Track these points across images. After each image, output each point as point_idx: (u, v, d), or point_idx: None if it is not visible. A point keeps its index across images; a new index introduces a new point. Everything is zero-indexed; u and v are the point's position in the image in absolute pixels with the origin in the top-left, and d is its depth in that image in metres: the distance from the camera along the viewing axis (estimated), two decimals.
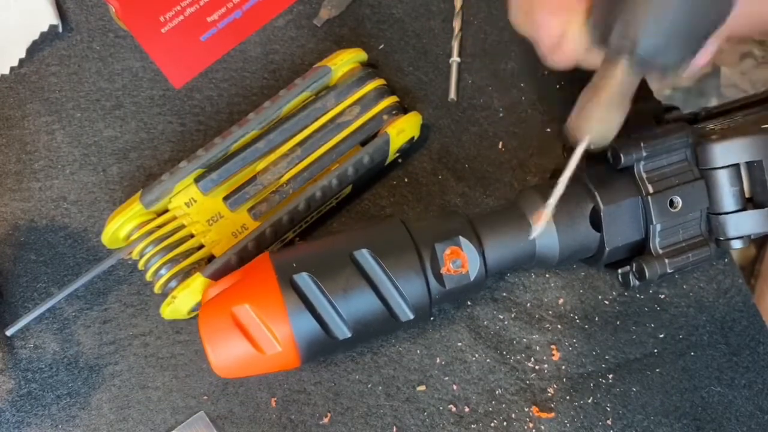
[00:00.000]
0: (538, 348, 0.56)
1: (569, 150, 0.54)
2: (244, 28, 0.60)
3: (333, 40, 0.61)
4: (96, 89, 0.59)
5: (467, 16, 0.61)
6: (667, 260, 0.49)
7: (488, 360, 0.56)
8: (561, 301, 0.57)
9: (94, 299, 0.56)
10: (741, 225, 0.49)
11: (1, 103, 0.59)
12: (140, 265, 0.53)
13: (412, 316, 0.48)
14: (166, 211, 0.54)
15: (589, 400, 0.56)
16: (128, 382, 0.55)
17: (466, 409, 0.55)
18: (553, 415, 0.55)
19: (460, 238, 0.48)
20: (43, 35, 0.58)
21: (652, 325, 0.57)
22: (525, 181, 0.59)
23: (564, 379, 0.56)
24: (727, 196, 0.49)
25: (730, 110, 0.56)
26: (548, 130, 0.60)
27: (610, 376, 0.56)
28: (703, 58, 0.36)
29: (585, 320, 0.57)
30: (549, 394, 0.56)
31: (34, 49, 0.59)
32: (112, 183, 0.58)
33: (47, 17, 0.58)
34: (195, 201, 0.53)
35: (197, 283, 0.51)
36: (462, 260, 0.48)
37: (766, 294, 0.68)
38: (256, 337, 0.46)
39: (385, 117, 0.56)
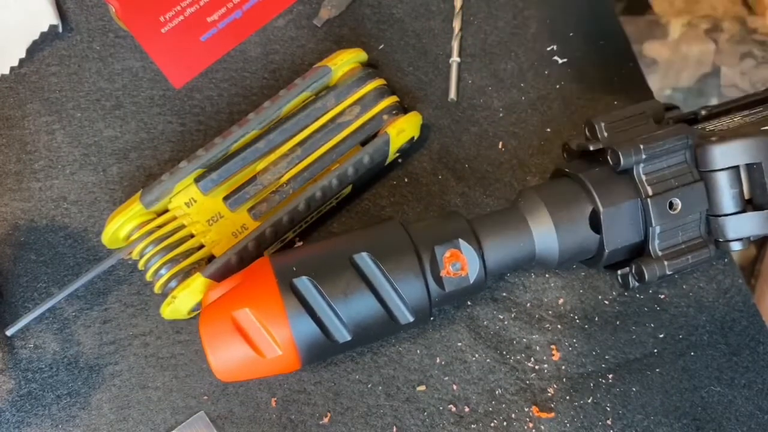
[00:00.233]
0: (538, 348, 0.56)
1: (569, 150, 0.55)
2: (244, 28, 0.60)
3: (333, 40, 0.61)
4: (96, 89, 0.59)
5: (467, 16, 0.61)
6: (666, 262, 0.49)
7: (488, 360, 0.56)
8: (561, 301, 0.57)
9: (94, 299, 0.56)
10: (740, 227, 0.49)
11: (1, 103, 0.59)
12: (140, 265, 0.53)
13: (411, 319, 0.48)
14: (166, 211, 0.54)
15: (589, 400, 0.56)
16: (128, 382, 0.55)
17: (466, 409, 0.55)
18: (553, 415, 0.55)
19: (460, 240, 0.48)
20: (43, 35, 0.58)
21: (652, 325, 0.57)
22: (525, 181, 0.59)
23: (564, 379, 0.56)
24: (726, 198, 0.49)
25: (730, 110, 0.56)
26: (548, 130, 0.60)
27: (610, 376, 0.56)
28: None
29: (585, 320, 0.57)
30: (549, 394, 0.56)
31: (34, 49, 0.59)
32: (112, 183, 0.58)
33: (47, 17, 0.58)
34: (195, 201, 0.53)
35: (197, 283, 0.51)
36: (461, 263, 0.48)
37: (766, 294, 0.68)
38: (257, 340, 0.46)
39: (385, 117, 0.56)
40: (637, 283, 0.52)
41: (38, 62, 0.59)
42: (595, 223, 0.50)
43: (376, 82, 0.57)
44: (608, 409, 0.56)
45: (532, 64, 0.61)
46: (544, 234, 0.50)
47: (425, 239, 0.49)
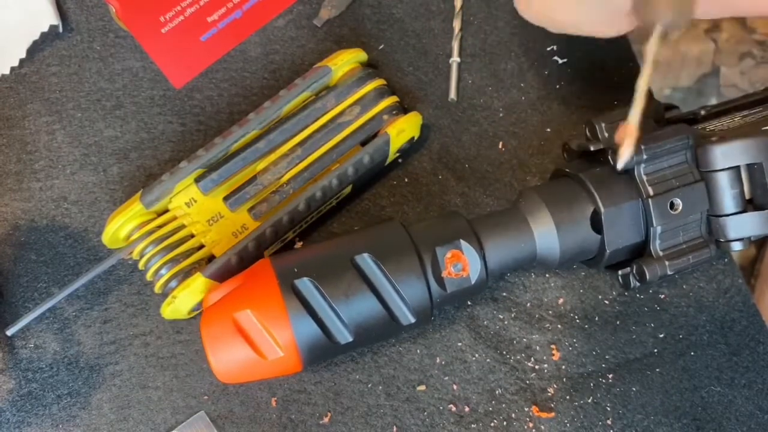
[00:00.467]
0: (538, 348, 0.56)
1: (569, 150, 0.55)
2: (244, 28, 0.60)
3: (333, 40, 0.61)
4: (96, 89, 0.59)
5: (467, 16, 0.61)
6: (667, 262, 0.49)
7: (488, 360, 0.56)
8: (561, 301, 0.57)
9: (95, 299, 0.56)
10: (741, 227, 0.49)
11: (1, 103, 0.59)
12: (140, 265, 0.53)
13: (413, 320, 0.48)
14: (166, 211, 0.54)
15: (589, 400, 0.56)
16: (128, 382, 0.55)
17: (466, 409, 0.55)
18: (553, 414, 0.55)
19: (461, 241, 0.48)
20: (43, 35, 0.58)
21: (652, 325, 0.57)
22: (525, 181, 0.59)
23: (564, 379, 0.56)
24: (727, 198, 0.49)
25: (730, 110, 0.56)
26: (548, 130, 0.60)
27: (610, 375, 0.56)
28: None
29: (585, 320, 0.57)
30: (549, 394, 0.56)
31: (34, 49, 0.59)
32: (112, 183, 0.58)
33: (47, 17, 0.58)
34: (195, 201, 0.53)
35: (197, 283, 0.51)
36: (463, 263, 0.48)
37: (766, 294, 0.69)
38: (258, 342, 0.46)
39: (385, 117, 0.56)
40: (637, 283, 0.52)
41: (38, 62, 0.59)
42: (596, 224, 0.50)
43: (376, 82, 0.57)
44: (608, 408, 0.56)
45: (532, 64, 0.61)
46: (545, 234, 0.50)
47: (426, 240, 0.49)
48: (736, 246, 0.50)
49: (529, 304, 0.57)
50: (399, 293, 0.47)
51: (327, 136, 0.55)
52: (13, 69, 0.59)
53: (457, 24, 0.61)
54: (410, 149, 0.59)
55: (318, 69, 0.56)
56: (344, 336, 0.47)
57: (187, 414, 0.55)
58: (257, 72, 0.60)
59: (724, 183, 0.49)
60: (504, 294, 0.57)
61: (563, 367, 0.56)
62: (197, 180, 0.53)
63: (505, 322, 0.57)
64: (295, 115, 0.55)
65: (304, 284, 0.46)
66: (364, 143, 0.56)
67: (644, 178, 0.49)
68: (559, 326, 0.57)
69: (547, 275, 0.58)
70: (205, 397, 0.55)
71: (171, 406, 0.55)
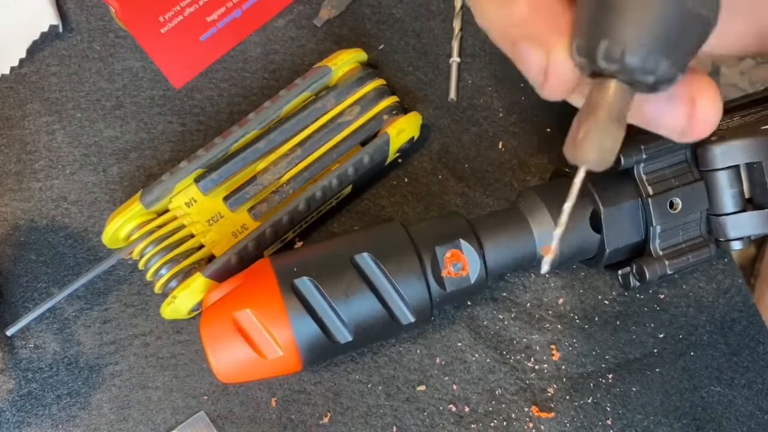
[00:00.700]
0: (538, 348, 0.56)
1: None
2: (244, 28, 0.60)
3: (333, 40, 0.61)
4: (96, 89, 0.59)
5: (467, 16, 0.61)
6: (667, 262, 0.49)
7: (488, 360, 0.56)
8: (561, 301, 0.57)
9: (95, 299, 0.56)
10: (741, 226, 0.49)
11: (1, 103, 0.59)
12: (140, 265, 0.53)
13: (413, 319, 0.48)
14: (166, 211, 0.54)
15: (589, 400, 0.56)
16: (128, 382, 0.55)
17: (466, 409, 0.55)
18: (553, 415, 0.55)
19: (461, 240, 0.48)
20: (43, 35, 0.58)
21: (652, 325, 0.57)
22: (525, 181, 0.59)
23: (564, 379, 0.56)
24: (727, 197, 0.49)
25: (730, 110, 0.56)
26: (548, 130, 0.60)
27: (610, 376, 0.56)
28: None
29: (585, 320, 0.57)
30: (549, 394, 0.56)
31: (34, 49, 0.59)
32: (112, 183, 0.58)
33: (47, 17, 0.58)
34: (195, 201, 0.53)
35: (197, 283, 0.51)
36: (463, 263, 0.48)
37: (766, 294, 0.68)
38: (258, 341, 0.46)
39: (385, 117, 0.56)
40: (637, 283, 0.52)
41: (38, 62, 0.59)
42: (596, 223, 0.50)
43: (376, 82, 0.57)
44: (608, 409, 0.56)
45: None
46: (545, 234, 0.50)
47: (426, 239, 0.49)
48: (736, 245, 0.50)
49: (529, 304, 0.57)
50: (399, 292, 0.47)
51: (327, 136, 0.55)
52: (13, 69, 0.59)
53: (457, 24, 0.61)
54: (410, 149, 0.59)
55: (318, 69, 0.56)
56: (344, 335, 0.47)
57: (187, 414, 0.55)
58: (257, 72, 0.60)
59: (723, 182, 0.49)
60: (504, 294, 0.57)
61: (563, 367, 0.56)
62: (197, 180, 0.53)
63: (505, 322, 0.57)
64: (295, 115, 0.55)
65: (304, 284, 0.46)
66: (364, 143, 0.56)
67: (644, 177, 0.49)
68: (559, 326, 0.57)
69: (547, 275, 0.58)
70: (205, 398, 0.55)
71: (171, 406, 0.55)
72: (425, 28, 0.61)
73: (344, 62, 0.56)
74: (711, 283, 0.58)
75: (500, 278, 0.57)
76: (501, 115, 0.60)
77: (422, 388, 0.56)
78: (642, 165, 0.49)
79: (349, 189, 0.56)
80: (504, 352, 0.56)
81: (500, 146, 0.60)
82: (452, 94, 0.60)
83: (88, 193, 0.58)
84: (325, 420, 0.55)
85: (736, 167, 0.49)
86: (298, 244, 0.58)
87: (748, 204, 0.50)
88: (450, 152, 0.60)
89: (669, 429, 0.56)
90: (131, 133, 0.59)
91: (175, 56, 0.59)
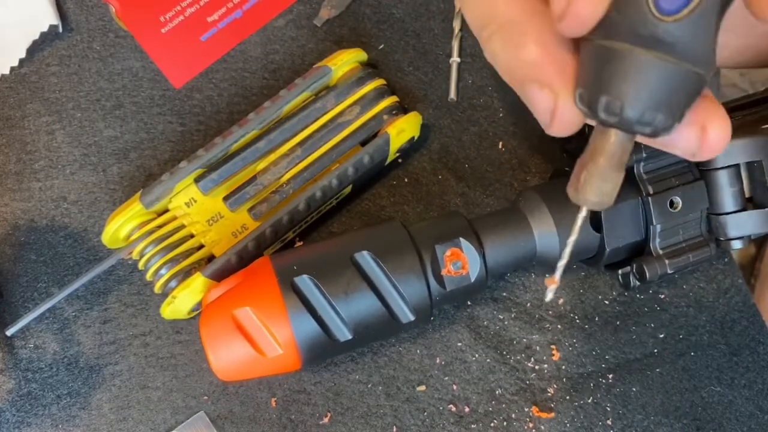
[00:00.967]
0: (538, 348, 0.56)
1: (568, 152, 0.55)
2: (244, 28, 0.60)
3: (333, 40, 0.61)
4: (96, 89, 0.59)
5: None
6: (667, 261, 0.49)
7: (488, 360, 0.56)
8: (561, 301, 0.57)
9: (94, 299, 0.56)
10: (741, 225, 0.49)
11: (1, 103, 0.59)
12: (140, 265, 0.53)
13: (412, 318, 0.48)
14: (166, 211, 0.54)
15: (589, 400, 0.56)
16: (128, 382, 0.55)
17: (466, 409, 0.55)
18: (553, 415, 0.55)
19: (461, 239, 0.48)
20: (43, 35, 0.58)
21: (652, 325, 0.57)
22: (525, 181, 0.59)
23: (564, 379, 0.56)
24: (727, 196, 0.49)
25: (730, 110, 0.56)
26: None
27: (610, 376, 0.56)
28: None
29: (585, 320, 0.57)
30: (549, 394, 0.56)
31: (34, 49, 0.59)
32: (112, 183, 0.58)
33: (47, 17, 0.58)
34: (195, 201, 0.53)
35: (197, 283, 0.51)
36: (462, 262, 0.48)
37: (766, 294, 0.68)
38: (257, 339, 0.46)
39: (385, 117, 0.56)
40: (637, 283, 0.52)
41: (38, 62, 0.59)
42: (596, 222, 0.50)
43: (376, 82, 0.57)
44: (608, 409, 0.56)
45: None
46: (545, 233, 0.50)
47: (426, 238, 0.49)
48: (736, 244, 0.50)
49: (529, 304, 0.57)
50: (398, 291, 0.47)
51: (327, 136, 0.55)
52: (12, 69, 0.59)
53: (457, 24, 0.61)
54: (410, 149, 0.59)
55: (318, 69, 0.56)
56: (343, 334, 0.47)
57: (187, 414, 0.55)
58: (257, 72, 0.60)
59: (723, 181, 0.49)
60: (504, 294, 0.57)
61: (563, 367, 0.56)
62: (197, 180, 0.53)
63: (505, 322, 0.57)
64: (295, 115, 0.55)
65: (304, 282, 0.46)
66: (364, 143, 0.56)
67: (644, 176, 0.49)
68: (559, 326, 0.57)
69: (547, 275, 0.57)
70: (205, 398, 0.55)
71: (171, 407, 0.55)
72: (425, 28, 0.61)
73: (344, 62, 0.56)
74: (711, 283, 0.58)
75: (500, 278, 0.57)
76: (501, 115, 0.60)
77: (422, 388, 0.56)
78: (642, 164, 0.49)
79: (349, 189, 0.56)
80: (504, 352, 0.56)
81: (500, 146, 0.60)
82: (452, 94, 0.60)
83: (88, 193, 0.58)
84: (325, 420, 0.55)
85: (737, 166, 0.49)
86: (298, 244, 0.58)
87: (748, 203, 0.50)
88: (450, 152, 0.60)
89: (669, 429, 0.56)
90: (131, 133, 0.59)
91: (175, 56, 0.59)
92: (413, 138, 0.57)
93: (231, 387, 0.55)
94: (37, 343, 0.56)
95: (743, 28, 0.36)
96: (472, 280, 0.49)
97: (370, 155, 0.55)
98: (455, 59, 0.60)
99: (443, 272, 0.48)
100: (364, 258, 0.47)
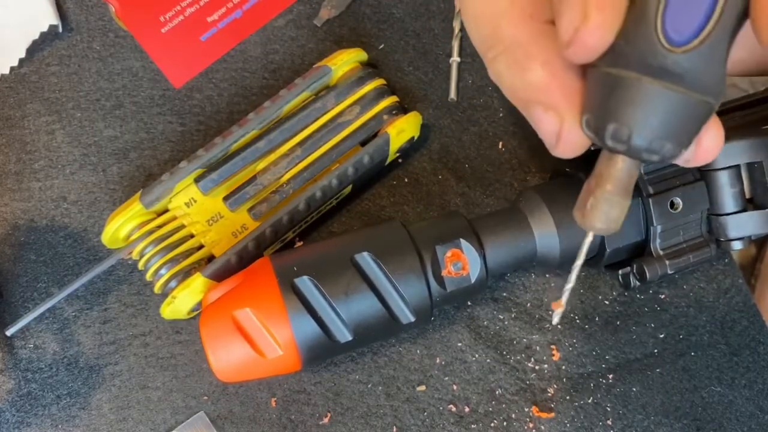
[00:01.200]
0: (538, 348, 0.56)
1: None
2: (244, 28, 0.60)
3: (333, 40, 0.61)
4: (96, 89, 0.59)
5: None
6: (667, 261, 0.49)
7: (488, 360, 0.56)
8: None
9: (94, 299, 0.56)
10: (741, 226, 0.49)
11: (1, 103, 0.59)
12: (140, 265, 0.53)
13: (413, 319, 0.48)
14: (166, 211, 0.54)
15: (589, 400, 0.56)
16: (128, 382, 0.55)
17: (466, 409, 0.55)
18: (553, 415, 0.55)
19: (461, 240, 0.48)
20: (43, 35, 0.58)
21: (652, 325, 0.57)
22: (525, 181, 0.59)
23: (564, 379, 0.56)
24: (727, 197, 0.49)
25: (730, 110, 0.56)
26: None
27: (610, 376, 0.56)
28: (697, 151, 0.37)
29: (585, 320, 0.57)
30: (549, 394, 0.56)
31: (34, 49, 0.59)
32: (112, 183, 0.58)
33: (47, 17, 0.58)
34: (195, 201, 0.53)
35: (197, 283, 0.51)
36: (463, 262, 0.48)
37: (766, 294, 0.68)
38: (257, 340, 0.46)
39: (385, 117, 0.56)
40: (638, 283, 0.52)
41: (38, 62, 0.59)
42: None
43: (376, 82, 0.57)
44: (608, 409, 0.56)
45: None
46: (546, 233, 0.50)
47: (426, 239, 0.49)
48: (736, 245, 0.50)
49: (529, 304, 0.57)
50: (399, 292, 0.47)
51: (327, 136, 0.55)
52: (12, 69, 0.59)
53: (457, 24, 0.61)
54: (410, 149, 0.59)
55: (318, 69, 0.56)
56: (344, 334, 0.47)
57: (187, 414, 0.55)
58: (257, 72, 0.60)
59: (724, 182, 0.49)
60: (504, 294, 0.57)
61: (563, 367, 0.56)
62: (197, 180, 0.53)
63: (505, 323, 0.57)
64: (295, 115, 0.55)
65: (304, 283, 0.46)
66: (364, 143, 0.56)
67: (644, 177, 0.49)
68: (559, 326, 0.57)
69: (547, 275, 0.58)
70: (205, 398, 0.55)
71: (170, 407, 0.55)
72: (425, 28, 0.61)
73: (344, 62, 0.56)
74: (711, 284, 0.58)
75: (500, 278, 0.57)
76: (501, 115, 0.60)
77: (422, 388, 0.56)
78: (642, 165, 0.49)
79: (349, 189, 0.56)
80: (504, 352, 0.56)
81: (500, 146, 0.60)
82: (452, 94, 0.60)
83: (87, 193, 0.58)
84: (325, 420, 0.55)
85: (737, 167, 0.49)
86: (298, 244, 0.58)
87: (749, 204, 0.50)
88: (450, 152, 0.59)
89: (669, 429, 0.56)
90: (131, 132, 0.59)
91: (175, 56, 0.59)
92: (413, 138, 0.57)
93: (231, 387, 0.55)
94: (37, 343, 0.56)
95: (748, 43, 0.36)
96: (473, 280, 0.49)
97: (370, 155, 0.55)
98: (455, 59, 0.60)
99: (443, 273, 0.48)
100: (365, 259, 0.47)
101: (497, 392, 0.56)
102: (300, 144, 0.55)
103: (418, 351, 0.56)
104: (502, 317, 0.57)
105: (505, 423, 0.55)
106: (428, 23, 0.61)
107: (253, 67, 0.60)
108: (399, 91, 0.60)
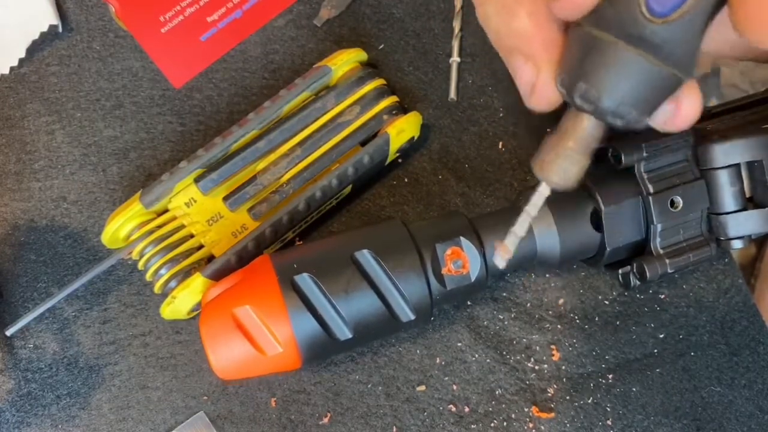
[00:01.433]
0: (538, 348, 0.56)
1: None
2: (244, 28, 0.60)
3: (333, 40, 0.61)
4: (96, 89, 0.59)
5: (467, 16, 0.61)
6: (667, 260, 0.49)
7: (488, 360, 0.56)
8: (561, 301, 0.57)
9: (94, 299, 0.56)
10: (741, 225, 0.49)
11: (1, 103, 0.59)
12: (140, 265, 0.53)
13: (413, 317, 0.48)
14: (166, 211, 0.54)
15: (589, 400, 0.56)
16: (128, 382, 0.55)
17: (466, 409, 0.55)
18: (553, 415, 0.55)
19: (461, 238, 0.48)
20: (43, 35, 0.58)
21: (652, 325, 0.57)
22: (525, 181, 0.59)
23: (564, 379, 0.56)
24: (727, 196, 0.49)
25: (730, 110, 0.56)
26: (548, 130, 0.60)
27: (610, 376, 0.56)
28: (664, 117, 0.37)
29: (585, 320, 0.57)
30: (549, 394, 0.56)
31: (34, 49, 0.59)
32: (112, 183, 0.58)
33: (47, 17, 0.58)
34: (195, 201, 0.53)
35: (197, 283, 0.51)
36: (463, 261, 0.48)
37: (766, 294, 0.69)
38: (257, 338, 0.46)
39: (385, 117, 0.56)
40: (638, 282, 0.52)
41: (38, 62, 0.59)
42: (597, 222, 0.50)
43: (376, 82, 0.57)
44: (608, 409, 0.56)
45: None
46: (546, 233, 0.50)
47: (426, 237, 0.49)
48: (736, 244, 0.50)
49: (529, 304, 0.57)
50: (399, 290, 0.47)
51: (327, 136, 0.55)
52: (12, 69, 0.59)
53: (457, 24, 0.61)
54: (410, 149, 0.59)
55: (318, 69, 0.56)
56: (343, 332, 0.47)
57: (187, 414, 0.55)
58: (257, 72, 0.60)
59: (724, 181, 0.49)
60: (504, 294, 0.57)
61: (563, 367, 0.56)
62: (197, 180, 0.53)
63: (505, 323, 0.57)
64: (295, 115, 0.55)
65: (304, 280, 0.46)
66: (364, 143, 0.56)
67: (645, 175, 0.49)
68: (559, 326, 0.57)
69: (547, 275, 0.58)
70: (205, 398, 0.55)
71: (170, 407, 0.55)
72: (425, 28, 0.61)
73: (344, 62, 0.56)
74: (711, 284, 0.58)
75: (500, 278, 0.57)
76: (501, 115, 0.60)
77: (422, 388, 0.56)
78: (643, 163, 0.49)
79: (349, 189, 0.56)
80: (504, 352, 0.56)
81: (500, 146, 0.60)
82: (452, 94, 0.60)
83: (87, 193, 0.58)
84: (325, 420, 0.55)
85: (737, 166, 0.49)
86: (298, 244, 0.58)
87: (749, 203, 0.50)
88: (450, 152, 0.60)
89: (669, 429, 0.56)
90: (131, 132, 0.59)
91: (175, 56, 0.59)
92: (413, 138, 0.57)
93: (231, 387, 0.55)
94: (37, 343, 0.56)
95: None
96: (473, 279, 0.49)
97: (370, 155, 0.55)
98: (455, 59, 0.60)
99: (444, 271, 0.48)
100: (365, 257, 0.47)
101: (497, 392, 0.56)
102: (300, 144, 0.55)
103: (418, 351, 0.56)
104: (502, 317, 0.57)
105: (505, 423, 0.55)
106: (428, 23, 0.61)
107: (253, 67, 0.60)
108: (399, 91, 0.60)
